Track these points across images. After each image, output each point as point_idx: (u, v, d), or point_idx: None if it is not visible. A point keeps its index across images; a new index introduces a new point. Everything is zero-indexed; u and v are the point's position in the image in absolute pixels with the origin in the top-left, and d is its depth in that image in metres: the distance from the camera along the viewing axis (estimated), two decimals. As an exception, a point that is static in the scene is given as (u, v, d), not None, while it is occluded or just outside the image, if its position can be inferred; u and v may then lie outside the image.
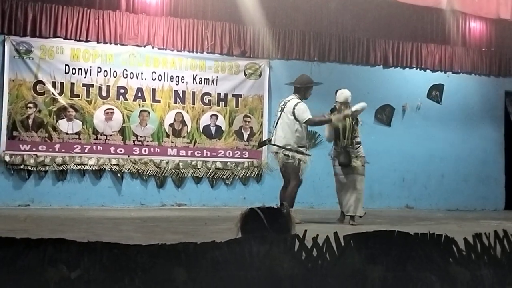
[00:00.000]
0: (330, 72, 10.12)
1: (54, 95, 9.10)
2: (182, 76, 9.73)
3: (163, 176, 9.57)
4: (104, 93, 9.35)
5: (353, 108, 7.29)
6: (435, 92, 11.20)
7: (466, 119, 11.23)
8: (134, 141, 9.47)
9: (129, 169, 9.39)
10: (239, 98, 10.00)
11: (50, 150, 9.06)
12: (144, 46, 9.58)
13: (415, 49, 11.06)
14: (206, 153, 9.80)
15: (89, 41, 9.29)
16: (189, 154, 9.72)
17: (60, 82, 9.15)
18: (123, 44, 9.47)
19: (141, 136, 9.51)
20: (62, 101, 9.13)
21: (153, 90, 9.58)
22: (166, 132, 9.62)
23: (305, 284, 1.99)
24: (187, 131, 9.72)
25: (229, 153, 9.92)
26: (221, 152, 9.87)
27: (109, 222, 6.58)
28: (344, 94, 7.31)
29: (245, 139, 10.00)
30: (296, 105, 7.16)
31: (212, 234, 5.19)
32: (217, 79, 9.90)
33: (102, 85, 9.34)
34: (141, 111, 9.52)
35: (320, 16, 10.51)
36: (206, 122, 9.84)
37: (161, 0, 9.69)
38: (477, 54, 11.43)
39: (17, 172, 8.95)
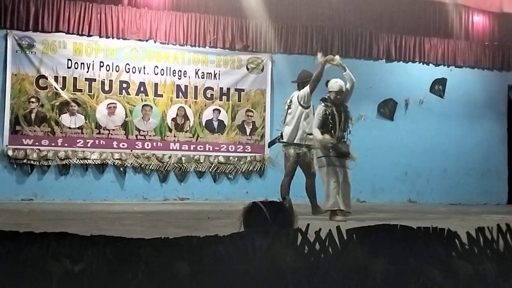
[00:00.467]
0: (332, 66, 10.07)
1: (56, 89, 9.10)
2: (185, 71, 9.72)
3: (166, 170, 9.58)
4: (106, 88, 9.35)
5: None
6: (438, 86, 11.17)
7: (469, 113, 11.20)
8: (136, 136, 9.48)
9: (131, 163, 9.40)
10: (242, 93, 9.99)
11: (53, 144, 9.08)
12: (147, 41, 9.57)
13: (418, 43, 11.02)
14: (209, 148, 9.80)
15: (91, 35, 9.29)
16: (192, 148, 9.72)
17: (63, 77, 9.15)
18: (125, 39, 9.46)
19: (143, 131, 9.51)
20: (65, 95, 9.14)
21: (156, 84, 9.58)
22: (169, 127, 9.62)
23: (308, 278, 2.00)
24: (189, 126, 9.72)
25: (231, 147, 9.92)
26: (223, 147, 9.87)
27: (112, 216, 6.59)
28: (339, 83, 7.06)
29: (248, 134, 10.00)
30: (299, 94, 7.33)
31: (215, 228, 5.19)
32: (219, 74, 9.89)
33: (104, 79, 9.34)
34: (143, 105, 9.52)
35: (323, 10, 10.48)
36: (208, 116, 9.84)
37: (163, -6, 9.69)
38: (480, 48, 11.39)
39: (20, 167, 8.97)
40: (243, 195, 9.46)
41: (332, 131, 6.82)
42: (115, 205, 8.53)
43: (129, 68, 9.47)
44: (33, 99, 9.00)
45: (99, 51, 9.35)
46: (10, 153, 8.86)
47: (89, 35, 9.28)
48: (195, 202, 9.42)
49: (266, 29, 10.11)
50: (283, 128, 7.49)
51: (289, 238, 2.07)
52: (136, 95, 9.50)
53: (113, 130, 9.37)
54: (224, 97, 9.92)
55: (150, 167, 9.49)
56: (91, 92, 9.28)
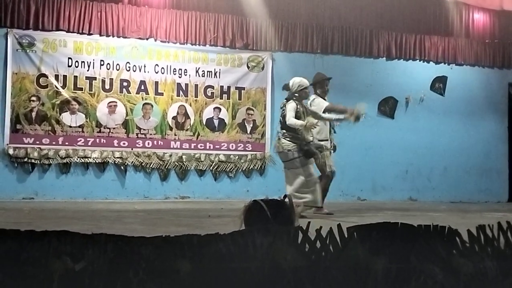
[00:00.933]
0: (333, 64, 10.09)
1: (57, 88, 9.10)
2: (185, 69, 9.72)
3: (167, 169, 9.58)
4: (107, 86, 9.36)
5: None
6: (439, 84, 11.16)
7: (469, 111, 11.20)
8: (137, 134, 9.48)
9: (132, 162, 9.40)
10: (242, 91, 9.99)
11: (54, 143, 9.08)
12: (147, 39, 9.57)
13: (418, 41, 11.02)
14: (209, 146, 9.80)
15: (91, 34, 9.28)
16: (192, 147, 9.72)
17: (63, 75, 9.15)
18: (125, 37, 9.46)
19: (144, 129, 9.51)
20: (65, 94, 9.14)
21: (156, 83, 9.58)
22: (169, 125, 9.62)
23: (309, 276, 2.00)
24: (190, 124, 9.72)
25: (232, 146, 9.92)
26: (224, 145, 9.88)
27: (113, 215, 6.60)
28: (303, 79, 7.16)
29: (248, 132, 10.00)
30: (312, 100, 7.35)
31: (216, 226, 5.20)
32: (220, 72, 9.89)
33: (105, 78, 9.34)
34: (144, 104, 9.52)
35: (323, 8, 10.47)
36: (209, 115, 9.84)
37: (163, -7, 9.68)
38: (480, 46, 11.38)
39: (21, 165, 8.97)
40: (244, 194, 9.46)
41: (307, 132, 6.91)
42: (116, 203, 8.53)
43: (129, 67, 9.47)
44: (33, 98, 9.00)
45: (100, 50, 9.35)
46: (11, 152, 8.86)
47: (89, 34, 9.27)
48: (196, 201, 9.43)
49: (267, 27, 10.11)
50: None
51: (290, 236, 2.07)
52: (136, 93, 9.50)
53: (114, 128, 9.37)
54: (225, 96, 9.92)
55: (151, 166, 9.49)
56: (92, 91, 9.28)
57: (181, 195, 9.64)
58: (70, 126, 9.17)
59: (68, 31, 9.16)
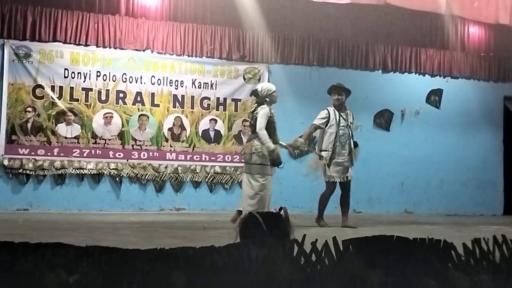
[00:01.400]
0: (329, 77, 10.08)
1: (53, 99, 9.10)
2: (181, 81, 9.73)
3: (162, 180, 9.56)
4: (103, 97, 9.35)
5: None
6: (434, 97, 11.20)
7: (465, 124, 11.23)
8: (133, 145, 9.46)
9: (127, 173, 9.38)
10: (238, 103, 10.00)
11: (49, 154, 9.05)
12: (144, 50, 9.58)
13: (414, 54, 11.06)
14: (205, 158, 9.79)
15: (88, 45, 9.29)
16: (188, 158, 9.71)
17: (59, 86, 9.15)
18: (122, 48, 9.47)
19: (140, 140, 9.50)
20: (61, 105, 9.13)
21: (152, 94, 9.58)
22: (165, 136, 9.61)
23: (304, 289, 1.99)
24: (186, 136, 9.72)
25: (228, 157, 9.92)
26: (220, 157, 9.87)
27: (108, 227, 6.57)
28: (271, 85, 7.34)
29: (244, 144, 9.98)
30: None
31: (211, 238, 5.18)
32: (216, 84, 9.90)
33: (101, 89, 9.34)
34: (140, 115, 9.52)
35: (319, 21, 10.51)
36: (205, 126, 9.84)
37: (160, 5, 9.70)
38: (476, 59, 11.44)
39: (16, 176, 8.94)
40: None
41: (274, 136, 7.01)
42: (110, 215, 8.50)
43: (126, 78, 9.47)
44: (29, 109, 8.99)
45: (96, 61, 9.36)
46: (5, 162, 8.83)
47: (86, 45, 9.28)
48: (191, 212, 9.40)
49: (263, 39, 10.13)
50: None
51: (285, 249, 2.06)
52: (132, 104, 9.50)
53: (109, 139, 9.35)
54: (221, 107, 9.93)
55: (146, 177, 9.47)
56: (88, 102, 9.28)
57: (176, 207, 9.61)
58: (66, 137, 9.15)
59: (64, 42, 9.17)
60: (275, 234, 2.69)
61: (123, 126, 9.41)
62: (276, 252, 2.03)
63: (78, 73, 9.24)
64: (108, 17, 9.37)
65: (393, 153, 10.67)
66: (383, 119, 10.82)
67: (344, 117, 7.54)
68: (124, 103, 9.45)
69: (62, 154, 9.10)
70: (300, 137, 7.55)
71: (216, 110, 9.89)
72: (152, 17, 9.63)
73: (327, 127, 7.52)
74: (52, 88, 9.10)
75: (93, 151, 9.26)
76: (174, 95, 9.68)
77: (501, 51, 11.56)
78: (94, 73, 9.32)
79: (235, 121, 9.96)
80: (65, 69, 9.18)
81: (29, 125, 8.99)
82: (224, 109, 9.93)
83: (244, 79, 10.05)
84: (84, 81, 9.26)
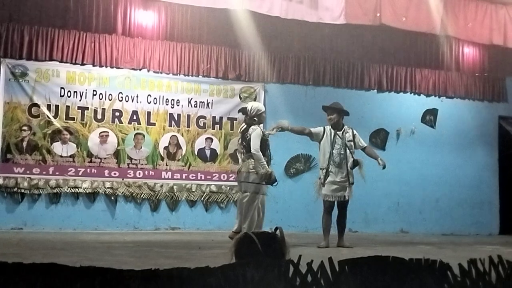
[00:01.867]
0: (324, 96, 10.13)
1: (49, 118, 9.09)
2: (178, 100, 9.75)
3: (157, 199, 9.53)
4: (99, 116, 9.36)
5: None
6: (429, 117, 11.25)
7: (460, 143, 11.26)
8: (128, 164, 9.44)
9: (123, 192, 9.35)
10: (234, 122, 10.01)
11: (44, 173, 9.02)
12: (140, 70, 9.61)
13: (409, 74, 11.13)
14: (201, 176, 9.78)
15: (85, 64, 9.32)
16: (184, 177, 9.69)
17: (55, 105, 9.15)
18: (118, 67, 9.50)
19: (135, 159, 9.49)
20: (57, 124, 9.13)
21: (148, 113, 9.59)
22: (161, 155, 9.60)
23: (300, 310, 1.98)
24: (181, 154, 9.71)
25: (223, 176, 9.90)
26: (215, 176, 9.85)
27: (103, 246, 6.53)
28: (261, 104, 7.50)
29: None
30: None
31: (206, 258, 5.16)
32: (212, 103, 9.92)
33: (97, 108, 9.35)
34: (136, 134, 9.52)
35: (315, 41, 10.58)
36: (201, 145, 9.84)
37: (157, 24, 9.76)
38: (470, 79, 11.52)
39: (11, 195, 8.90)
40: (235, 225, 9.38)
41: (267, 153, 7.14)
42: (105, 234, 8.46)
43: (122, 97, 9.49)
44: (25, 127, 8.99)
45: (92, 80, 9.38)
46: (0, 181, 8.80)
47: (82, 64, 9.30)
48: (186, 232, 9.36)
49: (259, 59, 10.19)
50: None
51: (281, 270, 2.05)
52: (128, 123, 9.50)
53: (105, 158, 9.34)
54: (217, 126, 9.94)
55: (142, 196, 9.44)
56: (84, 121, 9.28)
57: (172, 226, 9.57)
58: (61, 156, 9.13)
59: (61, 61, 9.20)
60: (270, 254, 2.67)
61: (118, 144, 9.41)
62: (271, 272, 2.02)
63: (74, 92, 9.25)
64: (104, 37, 9.41)
65: (388, 172, 10.62)
66: (379, 138, 10.85)
67: (340, 135, 7.55)
68: (120, 121, 9.45)
69: (57, 173, 9.08)
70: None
71: (212, 129, 9.90)
72: (148, 36, 9.68)
73: (321, 142, 7.53)
74: (48, 107, 9.10)
75: (88, 170, 9.23)
76: (170, 114, 9.69)
77: (495, 71, 11.66)
78: (90, 92, 9.33)
79: (231, 140, 9.96)
80: (61, 88, 9.19)
81: (24, 143, 8.98)
82: (220, 128, 9.95)
83: (240, 98, 10.07)
84: (80, 100, 9.27)
